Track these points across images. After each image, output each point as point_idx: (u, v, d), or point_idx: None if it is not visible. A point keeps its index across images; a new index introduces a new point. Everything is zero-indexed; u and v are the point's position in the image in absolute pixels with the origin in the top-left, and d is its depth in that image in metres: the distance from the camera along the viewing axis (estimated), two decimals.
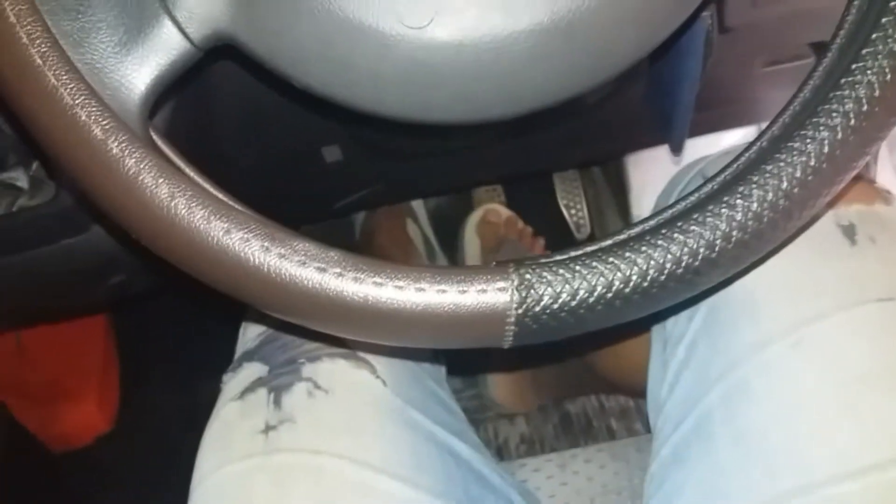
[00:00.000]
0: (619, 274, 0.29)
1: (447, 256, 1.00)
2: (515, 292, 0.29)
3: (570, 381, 0.91)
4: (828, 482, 0.38)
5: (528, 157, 0.68)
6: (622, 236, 0.31)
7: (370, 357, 0.47)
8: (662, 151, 0.78)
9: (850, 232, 0.43)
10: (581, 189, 1.00)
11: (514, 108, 0.32)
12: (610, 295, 0.29)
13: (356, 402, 0.45)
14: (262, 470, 0.42)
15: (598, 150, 0.70)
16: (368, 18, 0.30)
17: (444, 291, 0.29)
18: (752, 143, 0.33)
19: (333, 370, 0.46)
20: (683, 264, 0.29)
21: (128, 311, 1.08)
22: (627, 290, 0.29)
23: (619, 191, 0.90)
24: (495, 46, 0.30)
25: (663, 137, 0.56)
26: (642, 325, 0.55)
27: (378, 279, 0.29)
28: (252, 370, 0.48)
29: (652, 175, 0.82)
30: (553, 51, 0.30)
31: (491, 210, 0.96)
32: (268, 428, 0.43)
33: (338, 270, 0.29)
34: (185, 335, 1.05)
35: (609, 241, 0.31)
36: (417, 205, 0.99)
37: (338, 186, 0.64)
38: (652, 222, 0.32)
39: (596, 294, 0.29)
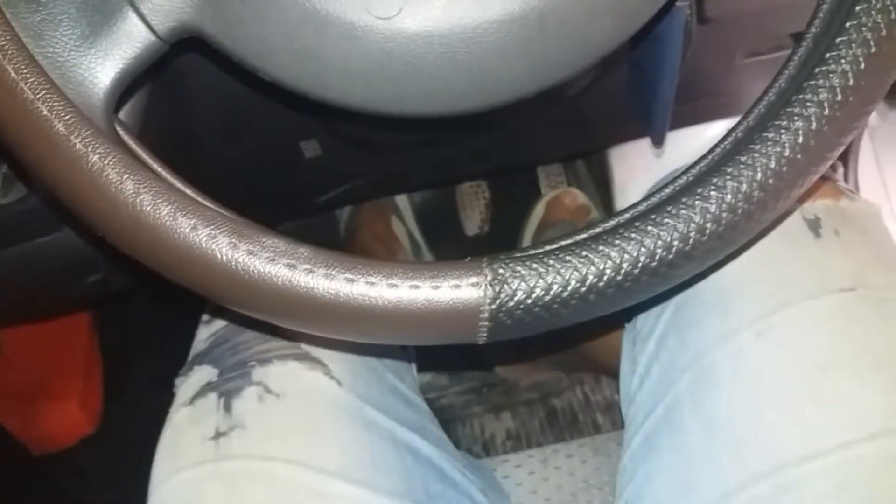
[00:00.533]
0: (592, 268, 0.28)
1: (433, 254, 0.99)
2: (489, 287, 0.29)
3: (560, 361, 0.91)
4: (792, 464, 0.38)
5: (511, 151, 0.68)
6: (597, 230, 0.30)
7: (324, 356, 0.46)
8: (645, 145, 0.77)
9: (815, 225, 0.44)
10: (565, 183, 1.00)
11: (487, 100, 0.32)
12: (584, 289, 0.28)
13: (309, 405, 0.44)
14: (213, 477, 0.41)
15: (581, 143, 0.70)
16: (336, 8, 0.30)
17: (416, 287, 0.29)
18: (727, 134, 0.32)
19: (285, 373, 0.45)
20: (657, 257, 0.29)
21: (111, 311, 1.07)
22: (601, 284, 0.28)
23: (603, 185, 0.90)
24: (466, 37, 0.30)
25: (644, 130, 0.55)
26: (617, 321, 0.55)
27: (349, 275, 0.29)
28: (202, 374, 0.47)
29: (635, 169, 0.81)
30: (525, 41, 0.30)
31: (568, 193, 0.97)
32: (218, 434, 0.43)
33: (308, 267, 0.29)
34: (169, 335, 1.04)
35: (584, 235, 0.30)
36: (403, 202, 0.98)
37: (318, 181, 0.63)
38: (627, 215, 0.31)
39: (570, 288, 0.28)
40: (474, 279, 0.29)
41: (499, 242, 1.00)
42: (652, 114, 0.52)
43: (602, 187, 0.92)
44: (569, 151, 0.83)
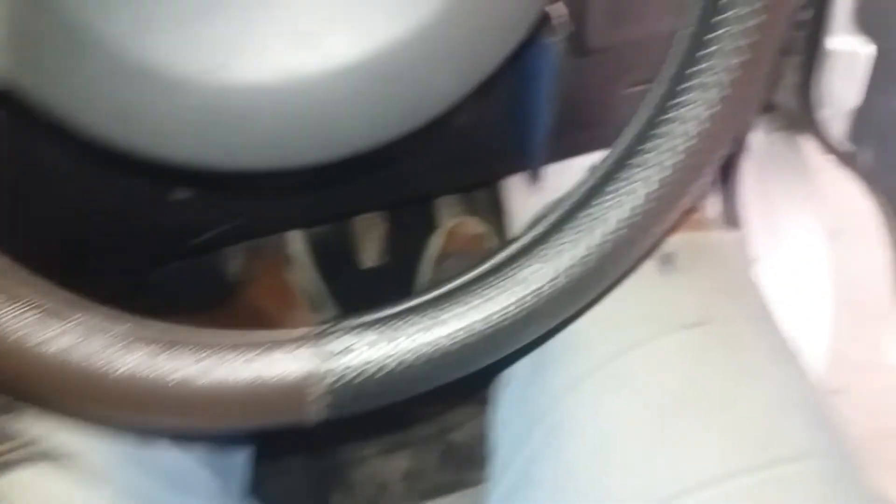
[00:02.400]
0: (428, 336, 0.27)
1: (333, 295, 0.95)
2: (321, 361, 0.27)
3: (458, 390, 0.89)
4: None
5: (400, 187, 0.66)
6: (435, 293, 0.28)
7: (76, 447, 0.38)
8: (564, 163, 0.77)
9: (666, 260, 0.44)
10: (463, 213, 0.99)
11: (329, 153, 0.30)
12: (423, 360, 0.27)
13: None
14: None
15: (468, 176, 0.69)
16: (155, 61, 0.27)
17: (239, 363, 0.27)
18: (574, 189, 0.31)
19: (21, 483, 0.36)
20: (503, 317, 0.27)
21: None
22: (437, 356, 0.27)
23: (500, 214, 0.89)
24: (302, 88, 0.28)
25: (524, 164, 0.55)
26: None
27: (152, 350, 0.26)
28: None
29: (529, 198, 0.81)
30: (364, 92, 0.28)
31: (465, 223, 0.95)
32: None
33: (102, 343, 0.26)
34: None
35: (421, 299, 0.28)
36: (297, 249, 0.94)
37: (190, 224, 0.60)
38: (473, 273, 0.29)
39: (410, 360, 0.27)
40: (305, 352, 0.27)
41: (398, 275, 0.98)
42: (529, 149, 0.51)
43: (500, 216, 0.92)
44: (458, 185, 0.82)
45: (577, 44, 0.50)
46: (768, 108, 0.76)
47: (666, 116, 0.29)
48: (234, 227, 0.63)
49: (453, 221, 0.94)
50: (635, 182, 0.29)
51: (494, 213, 0.97)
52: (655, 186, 0.29)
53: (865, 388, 0.96)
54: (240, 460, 0.54)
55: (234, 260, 0.89)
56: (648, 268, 0.43)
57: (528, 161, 0.55)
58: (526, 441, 0.43)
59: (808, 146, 0.79)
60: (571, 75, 0.51)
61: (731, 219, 0.71)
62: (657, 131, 0.29)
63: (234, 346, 0.27)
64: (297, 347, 0.27)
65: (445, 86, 0.30)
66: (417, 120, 0.30)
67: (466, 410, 0.89)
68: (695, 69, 0.30)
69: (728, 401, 0.39)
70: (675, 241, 0.44)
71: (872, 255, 0.79)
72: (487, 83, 0.50)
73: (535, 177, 0.52)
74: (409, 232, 0.98)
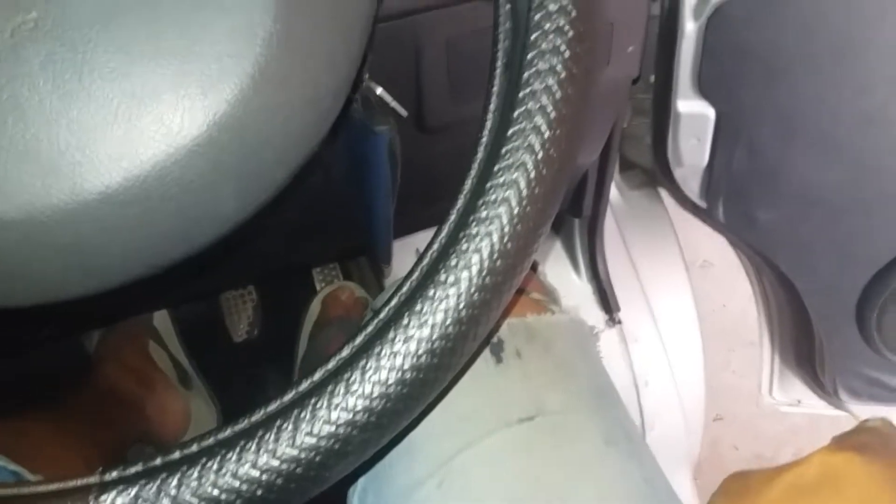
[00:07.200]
0: (214, 491, 0.24)
1: (202, 372, 0.90)
2: None
3: None
4: None
5: (254, 262, 0.63)
6: (226, 433, 0.26)
7: None
8: (414, 237, 0.75)
9: (497, 349, 0.42)
10: (340, 277, 0.96)
11: (101, 282, 0.27)
12: None
13: None
14: None
15: (321, 253, 0.67)
16: None
17: None
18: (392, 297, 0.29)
19: None
20: (303, 465, 0.25)
21: None
22: None
23: (380, 277, 0.87)
24: (58, 220, 0.25)
25: (372, 243, 0.53)
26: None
27: None
28: None
29: (404, 261, 0.79)
30: (130, 218, 0.25)
31: (344, 288, 0.91)
32: None
33: None
34: None
35: (210, 440, 0.25)
36: (161, 322, 0.88)
37: (18, 318, 0.55)
38: (273, 408, 0.27)
39: None
40: None
41: (271, 346, 0.94)
42: (372, 233, 0.49)
43: (382, 277, 0.89)
44: (314, 260, 0.80)
45: (419, 122, 0.49)
46: (628, 166, 0.78)
47: (458, 247, 0.28)
48: (77, 320, 0.58)
49: (330, 288, 0.90)
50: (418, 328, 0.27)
51: (374, 273, 0.94)
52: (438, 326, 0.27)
53: (745, 412, 0.99)
54: None
55: (91, 335, 0.82)
56: (481, 359, 0.41)
57: (375, 240, 0.53)
58: None
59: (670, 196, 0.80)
60: (417, 151, 0.50)
61: (595, 274, 0.71)
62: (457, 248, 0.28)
63: None
64: None
65: (225, 208, 0.27)
66: (196, 244, 0.27)
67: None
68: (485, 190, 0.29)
69: (561, 497, 0.37)
70: (505, 328, 0.43)
71: (739, 288, 0.81)
72: (326, 169, 0.48)
73: (382, 261, 0.50)
74: (284, 302, 0.94)
